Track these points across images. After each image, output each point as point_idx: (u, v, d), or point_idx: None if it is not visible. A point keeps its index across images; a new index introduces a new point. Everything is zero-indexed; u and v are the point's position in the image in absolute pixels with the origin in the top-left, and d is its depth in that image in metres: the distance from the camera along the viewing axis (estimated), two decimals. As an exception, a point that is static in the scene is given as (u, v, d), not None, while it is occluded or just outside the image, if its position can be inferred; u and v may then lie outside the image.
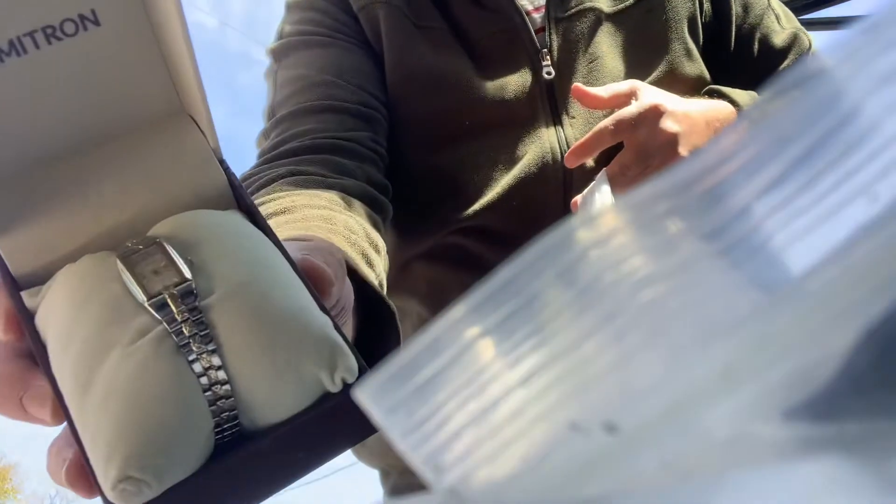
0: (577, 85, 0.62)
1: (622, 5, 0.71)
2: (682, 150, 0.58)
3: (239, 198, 0.32)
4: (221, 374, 0.25)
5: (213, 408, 0.25)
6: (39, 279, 0.28)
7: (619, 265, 0.16)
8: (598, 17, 0.70)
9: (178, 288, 0.26)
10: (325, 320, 0.28)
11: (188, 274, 0.26)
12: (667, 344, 0.15)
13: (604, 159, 0.65)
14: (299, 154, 0.59)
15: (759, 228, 0.15)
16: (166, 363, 0.25)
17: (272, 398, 0.25)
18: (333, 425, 0.27)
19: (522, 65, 0.68)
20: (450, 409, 0.16)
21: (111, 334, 0.25)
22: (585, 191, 0.60)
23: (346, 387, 0.27)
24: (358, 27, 0.69)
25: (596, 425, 0.15)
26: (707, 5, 0.73)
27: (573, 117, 0.68)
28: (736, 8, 0.73)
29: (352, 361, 0.27)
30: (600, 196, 0.55)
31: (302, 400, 0.26)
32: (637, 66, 0.70)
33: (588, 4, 0.70)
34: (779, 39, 0.73)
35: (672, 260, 0.15)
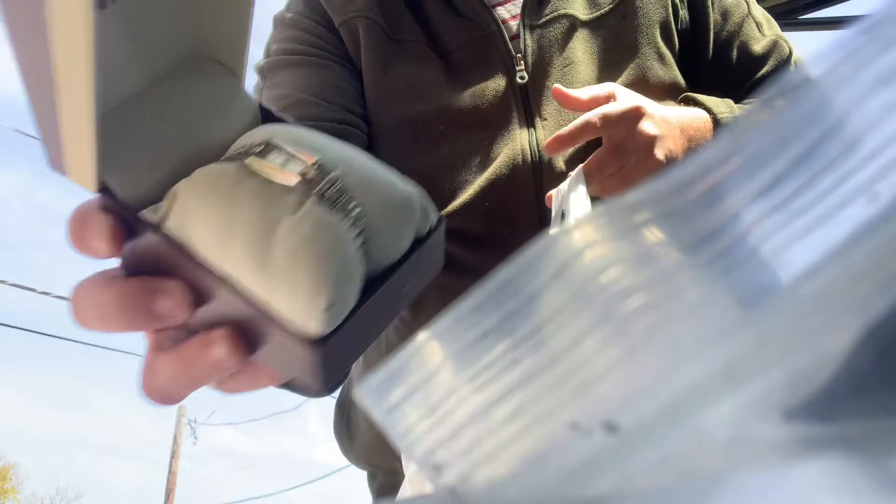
0: (558, 86, 0.63)
1: (598, 13, 0.73)
2: (658, 153, 0.60)
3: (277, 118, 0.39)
4: (363, 225, 0.32)
5: (360, 251, 0.32)
6: (148, 201, 0.34)
7: (613, 267, 0.16)
8: (573, 24, 0.72)
9: (314, 166, 0.32)
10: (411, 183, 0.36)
11: (316, 156, 0.33)
12: (666, 344, 0.15)
13: (574, 161, 0.65)
14: None
15: (758, 228, 0.15)
16: (330, 221, 0.31)
17: (394, 241, 0.33)
18: (425, 260, 0.35)
19: (497, 70, 0.71)
20: (449, 407, 0.16)
21: (272, 213, 0.31)
22: (561, 185, 0.60)
23: (430, 230, 0.35)
24: (340, 43, 0.73)
25: (596, 425, 0.15)
26: (683, 12, 0.74)
27: (545, 119, 0.70)
28: (714, 15, 0.74)
29: (432, 210, 0.35)
30: (576, 196, 0.56)
31: (410, 241, 0.34)
32: (609, 70, 0.72)
33: (562, 11, 0.72)
34: (758, 46, 0.74)
35: (669, 264, 0.15)
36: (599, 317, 0.15)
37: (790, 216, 0.15)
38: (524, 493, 0.15)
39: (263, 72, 0.74)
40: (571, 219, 0.52)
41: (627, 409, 0.15)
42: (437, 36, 0.72)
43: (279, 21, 0.76)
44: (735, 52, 0.73)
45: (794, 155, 0.15)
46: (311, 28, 0.73)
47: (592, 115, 0.60)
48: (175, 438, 11.74)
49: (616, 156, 0.60)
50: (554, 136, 0.62)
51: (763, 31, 0.74)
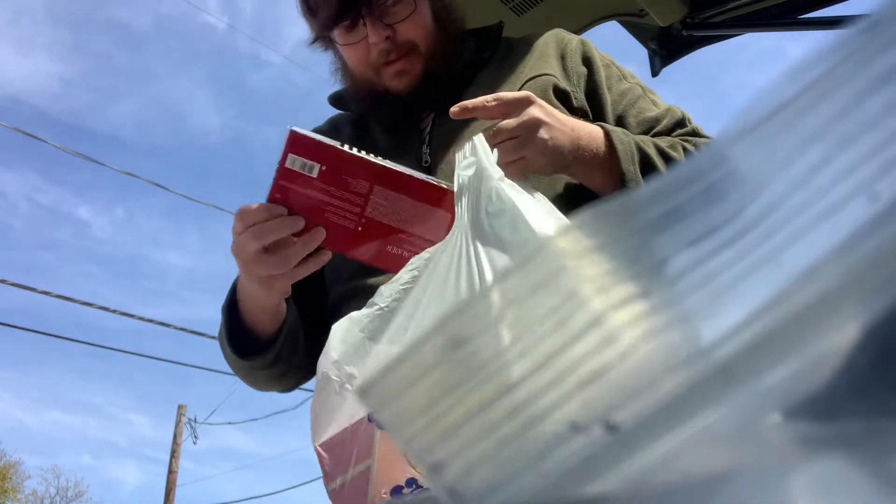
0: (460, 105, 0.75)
1: None
2: (543, 134, 0.72)
3: None
4: None
5: None
6: None
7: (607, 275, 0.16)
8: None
9: None
10: None
11: None
12: (666, 343, 0.15)
13: None
14: None
15: (757, 225, 0.15)
16: None
17: None
18: None
19: (411, 156, 0.92)
20: (448, 404, 0.16)
21: None
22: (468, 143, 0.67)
23: None
24: None
25: (596, 424, 0.15)
26: (580, 95, 0.89)
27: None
28: (611, 96, 0.89)
29: None
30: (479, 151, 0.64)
31: None
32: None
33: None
34: (652, 113, 0.89)
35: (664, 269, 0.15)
36: (596, 314, 0.15)
37: (787, 216, 0.15)
38: (524, 493, 0.15)
39: None
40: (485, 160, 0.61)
41: (627, 409, 0.15)
42: (374, 143, 0.95)
43: None
44: (632, 119, 0.90)
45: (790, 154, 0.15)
46: None
47: (489, 97, 0.73)
48: (175, 438, 11.75)
49: (507, 132, 0.71)
50: (460, 104, 0.74)
51: (657, 106, 0.91)
